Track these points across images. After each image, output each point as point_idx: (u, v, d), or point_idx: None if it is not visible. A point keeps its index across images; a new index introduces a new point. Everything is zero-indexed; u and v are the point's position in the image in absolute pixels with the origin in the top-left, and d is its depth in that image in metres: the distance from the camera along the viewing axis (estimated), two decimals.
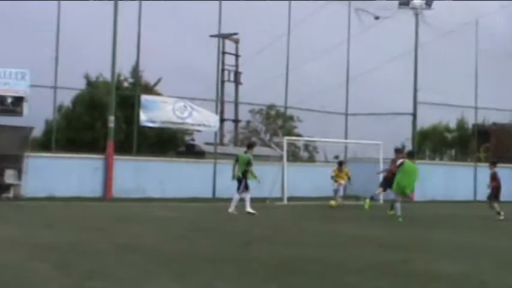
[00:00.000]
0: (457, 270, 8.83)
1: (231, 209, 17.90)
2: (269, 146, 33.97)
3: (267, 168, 24.89)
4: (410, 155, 18.71)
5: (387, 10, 29.53)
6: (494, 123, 36.49)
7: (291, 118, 37.24)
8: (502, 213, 18.57)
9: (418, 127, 31.51)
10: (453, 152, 38.09)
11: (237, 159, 18.93)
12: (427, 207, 22.83)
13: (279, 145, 27.33)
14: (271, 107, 37.25)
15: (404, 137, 32.12)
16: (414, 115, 29.93)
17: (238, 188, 18.37)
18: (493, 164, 20.53)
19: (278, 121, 39.94)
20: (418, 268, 8.95)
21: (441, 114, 34.33)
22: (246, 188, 18.36)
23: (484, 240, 13.14)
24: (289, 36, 28.67)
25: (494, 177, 19.70)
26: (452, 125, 38.51)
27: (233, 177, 18.73)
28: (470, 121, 35.07)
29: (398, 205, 17.15)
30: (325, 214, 19.79)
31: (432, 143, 36.76)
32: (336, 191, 23.12)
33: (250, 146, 20.00)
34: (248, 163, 18.45)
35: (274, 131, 40.40)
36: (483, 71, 30.94)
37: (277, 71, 29.30)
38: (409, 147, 31.34)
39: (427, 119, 34.11)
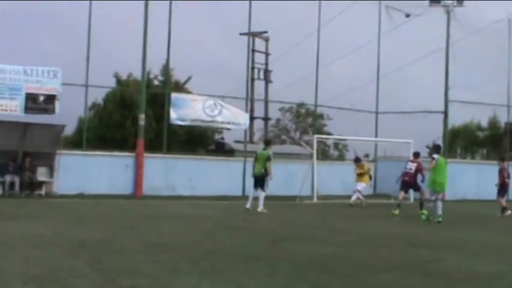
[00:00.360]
0: (488, 270, 8.76)
1: (261, 208, 17.98)
2: (299, 144, 34.00)
3: (296, 167, 24.95)
4: (438, 149, 18.25)
5: (418, 8, 29.30)
6: None
7: (321, 116, 37.23)
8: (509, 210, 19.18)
9: (450, 125, 31.21)
10: (485, 150, 37.64)
11: (256, 156, 19.00)
12: (458, 206, 22.60)
13: (309, 143, 27.34)
14: (301, 105, 37.30)
15: (436, 136, 31.88)
16: (445, 113, 29.63)
17: (256, 185, 18.45)
18: (501, 159, 20.56)
19: (308, 119, 39.94)
20: (448, 267, 8.89)
21: (473, 112, 33.99)
22: (263, 187, 18.41)
23: None
24: (319, 35, 28.61)
25: (500, 173, 19.82)
26: (484, 123, 38.12)
27: (253, 174, 18.83)
28: (502, 120, 34.65)
29: (438, 203, 16.53)
30: (354, 213, 19.71)
31: (463, 142, 36.39)
32: (357, 191, 22.98)
33: (267, 142, 20.12)
34: (268, 159, 18.48)
35: (304, 129, 40.44)
36: None
37: (307, 69, 29.26)
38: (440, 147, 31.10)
39: (458, 118, 33.80)
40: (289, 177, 25.10)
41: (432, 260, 9.54)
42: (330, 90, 30.49)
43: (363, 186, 23.14)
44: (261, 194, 18.36)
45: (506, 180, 20.00)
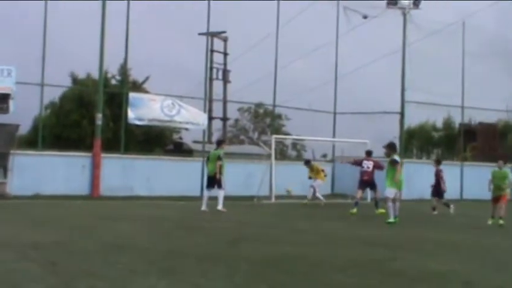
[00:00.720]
0: (443, 269, 8.89)
1: (220, 207, 17.97)
2: (257, 145, 34.05)
3: (255, 167, 25.00)
4: (394, 148, 18.18)
5: (375, 9, 29.63)
6: (480, 123, 36.74)
7: (279, 116, 37.40)
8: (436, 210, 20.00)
9: (406, 126, 31.66)
10: (440, 150, 38.29)
11: (208, 156, 19.04)
12: (415, 205, 22.92)
13: (267, 143, 27.38)
14: (259, 105, 37.36)
15: (392, 136, 32.25)
16: (402, 114, 30.03)
17: (209, 186, 18.49)
18: (437, 162, 21.16)
19: (266, 119, 40.04)
20: (404, 266, 9.01)
21: (428, 113, 34.51)
22: (220, 185, 18.41)
23: (472, 239, 13.23)
24: (278, 35, 28.67)
25: (435, 176, 20.32)
26: (439, 124, 38.75)
27: (207, 174, 18.92)
28: (457, 120, 35.28)
29: (391, 204, 16.25)
30: (312, 212, 19.83)
31: (419, 142, 36.95)
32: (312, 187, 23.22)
33: (219, 142, 20.08)
34: (218, 158, 18.50)
35: (262, 130, 40.55)
36: (470, 71, 31.12)
37: (265, 69, 29.30)
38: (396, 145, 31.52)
39: (414, 118, 34.32)
40: (247, 178, 25.14)
41: (389, 259, 9.66)
42: (289, 91, 30.64)
43: (318, 183, 23.28)
44: (220, 193, 18.34)
45: (441, 183, 20.41)
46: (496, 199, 16.58)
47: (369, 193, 23.02)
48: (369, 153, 21.01)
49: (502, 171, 16.74)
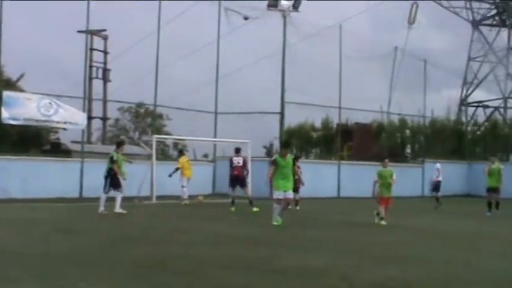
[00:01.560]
0: (321, 265, 9.15)
1: (101, 209, 17.60)
2: (138, 145, 33.56)
3: (135, 167, 24.55)
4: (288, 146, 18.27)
5: (256, 11, 30.03)
6: (356, 123, 38.06)
7: (160, 116, 37.08)
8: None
9: (285, 126, 32.24)
10: (318, 150, 39.28)
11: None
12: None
13: (148, 143, 27.03)
14: (140, 105, 36.87)
15: (273, 136, 32.90)
16: (282, 114, 30.61)
17: (105, 187, 18.10)
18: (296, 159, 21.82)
19: (147, 119, 39.61)
20: (284, 264, 9.19)
21: (307, 113, 35.38)
22: (117, 186, 18.07)
23: (349, 236, 13.70)
24: (159, 34, 28.41)
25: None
26: (318, 124, 39.78)
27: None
28: (334, 120, 36.35)
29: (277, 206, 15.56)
30: (194, 212, 19.81)
31: (299, 142, 37.74)
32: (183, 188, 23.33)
33: (118, 144, 19.68)
34: (110, 161, 18.20)
35: (143, 129, 40.07)
36: (347, 73, 32.19)
37: (147, 69, 28.99)
38: (277, 145, 32.13)
39: (293, 118, 35.04)
40: (128, 178, 24.71)
41: (270, 257, 9.81)
42: (170, 90, 30.45)
43: (184, 180, 23.31)
44: (117, 195, 18.03)
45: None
46: (384, 199, 16.47)
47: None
48: (237, 150, 21.28)
49: (387, 169, 16.88)
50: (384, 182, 16.61)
